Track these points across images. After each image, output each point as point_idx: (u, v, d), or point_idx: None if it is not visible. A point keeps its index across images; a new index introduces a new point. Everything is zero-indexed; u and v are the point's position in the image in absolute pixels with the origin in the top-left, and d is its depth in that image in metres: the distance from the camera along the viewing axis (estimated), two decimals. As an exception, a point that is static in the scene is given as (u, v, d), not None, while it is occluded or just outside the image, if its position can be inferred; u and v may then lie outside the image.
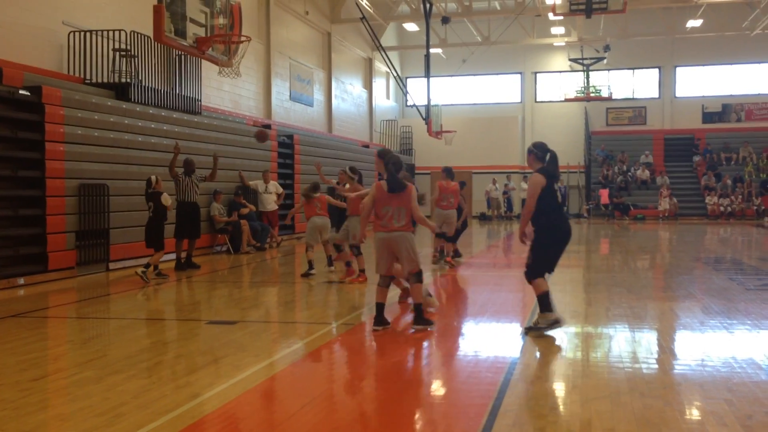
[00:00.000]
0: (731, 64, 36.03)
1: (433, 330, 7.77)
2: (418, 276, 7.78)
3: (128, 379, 5.95)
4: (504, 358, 6.78)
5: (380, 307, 7.80)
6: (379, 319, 7.77)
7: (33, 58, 13.35)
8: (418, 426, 4.94)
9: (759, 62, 35.65)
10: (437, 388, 5.95)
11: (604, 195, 32.83)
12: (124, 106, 14.21)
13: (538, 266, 7.64)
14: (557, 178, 7.65)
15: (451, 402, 5.50)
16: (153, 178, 12.16)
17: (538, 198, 7.44)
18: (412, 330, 7.76)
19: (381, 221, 7.74)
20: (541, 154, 7.68)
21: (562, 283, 11.67)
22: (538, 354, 6.95)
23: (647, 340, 7.64)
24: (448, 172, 14.16)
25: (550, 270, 7.75)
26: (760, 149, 34.24)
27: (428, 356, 7.07)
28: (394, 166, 7.76)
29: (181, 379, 5.94)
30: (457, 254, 14.81)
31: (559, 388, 5.78)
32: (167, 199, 12.20)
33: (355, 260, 11.60)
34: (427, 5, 26.77)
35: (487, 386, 5.73)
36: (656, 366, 6.42)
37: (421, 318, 7.78)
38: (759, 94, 35.82)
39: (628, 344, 7.38)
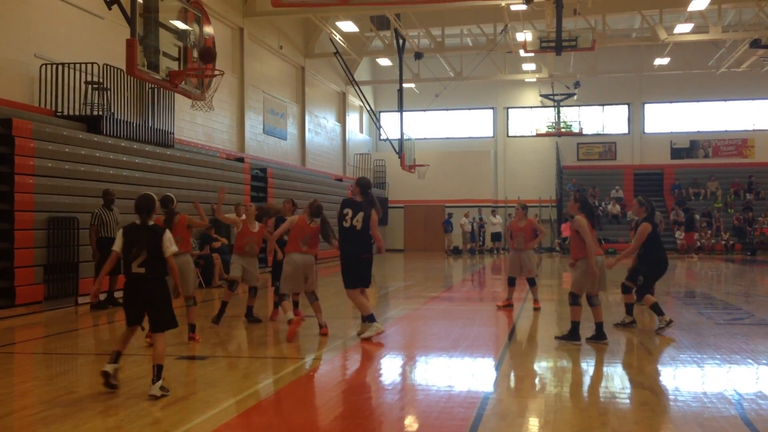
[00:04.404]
0: (698, 101, 36.76)
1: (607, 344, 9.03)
2: (596, 298, 9.36)
3: (96, 416, 5.84)
4: (477, 392, 6.77)
5: (600, 325, 9.27)
6: (600, 334, 9.19)
7: (4, 91, 13.25)
8: (390, 463, 4.89)
9: (725, 99, 36.41)
10: (410, 423, 5.91)
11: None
12: (95, 139, 14.13)
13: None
14: None
15: (424, 438, 5.47)
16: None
17: None
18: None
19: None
20: None
21: (534, 317, 11.71)
22: (510, 389, 6.94)
23: (619, 375, 7.67)
24: (524, 208, 12.90)
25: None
26: (727, 185, 34.85)
27: (401, 391, 7.03)
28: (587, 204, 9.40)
29: (150, 415, 5.85)
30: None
31: (532, 424, 5.77)
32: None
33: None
34: (401, 41, 27.08)
35: (460, 422, 5.71)
36: (627, 401, 6.44)
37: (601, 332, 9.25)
38: (726, 131, 36.54)
39: (600, 379, 7.40)
